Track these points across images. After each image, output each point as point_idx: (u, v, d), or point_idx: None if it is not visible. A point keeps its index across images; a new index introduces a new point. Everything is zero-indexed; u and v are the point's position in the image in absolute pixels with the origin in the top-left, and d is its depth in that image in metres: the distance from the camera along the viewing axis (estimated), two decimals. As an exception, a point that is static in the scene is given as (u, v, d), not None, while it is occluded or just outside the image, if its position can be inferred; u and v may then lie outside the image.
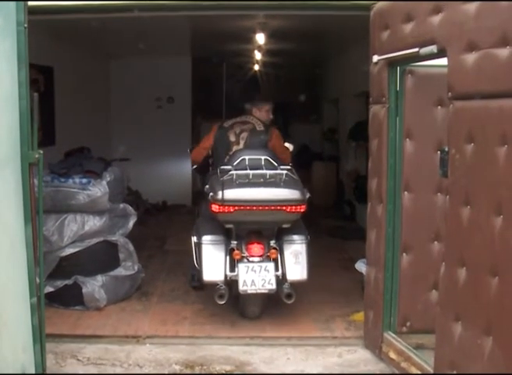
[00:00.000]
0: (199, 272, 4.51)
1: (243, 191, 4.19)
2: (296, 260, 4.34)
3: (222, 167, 4.51)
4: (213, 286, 4.37)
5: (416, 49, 3.21)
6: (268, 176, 4.28)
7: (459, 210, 2.89)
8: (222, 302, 4.29)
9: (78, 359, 3.99)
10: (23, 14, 2.93)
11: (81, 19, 4.79)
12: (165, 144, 9.59)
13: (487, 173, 2.71)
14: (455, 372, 2.98)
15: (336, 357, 3.97)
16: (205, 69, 10.34)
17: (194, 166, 5.55)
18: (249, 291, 4.27)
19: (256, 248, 4.36)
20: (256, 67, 10.74)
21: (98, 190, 4.81)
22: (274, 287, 4.26)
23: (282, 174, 4.26)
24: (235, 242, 4.40)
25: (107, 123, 9.47)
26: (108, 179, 4.95)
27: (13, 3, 2.93)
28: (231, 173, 4.28)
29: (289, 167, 4.51)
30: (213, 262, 4.35)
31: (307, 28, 6.57)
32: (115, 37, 7.35)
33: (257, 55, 9.34)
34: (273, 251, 4.37)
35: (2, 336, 3.39)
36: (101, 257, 4.98)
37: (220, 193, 4.12)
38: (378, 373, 3.63)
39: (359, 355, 4.04)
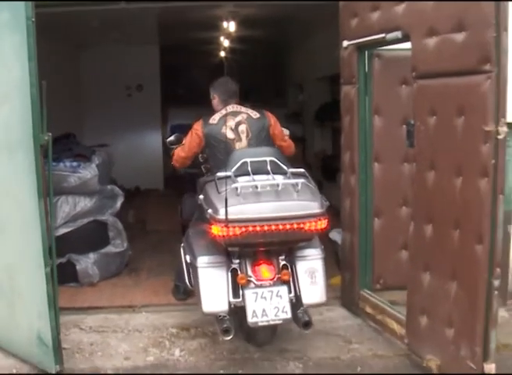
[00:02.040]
0: (186, 285, 3.98)
1: (253, 207, 3.34)
2: (312, 280, 3.58)
3: (219, 174, 3.53)
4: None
5: (382, 35, 3.62)
6: (280, 186, 3.41)
7: (425, 175, 3.32)
8: (229, 338, 3.46)
9: (81, 328, 4.31)
10: (30, 9, 3.22)
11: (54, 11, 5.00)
12: (136, 130, 9.89)
13: (448, 141, 3.14)
14: (425, 316, 3.44)
15: (318, 315, 4.34)
16: (173, 56, 10.60)
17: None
18: (260, 324, 3.45)
19: (265, 270, 3.53)
20: (223, 54, 11.02)
21: (88, 172, 5.11)
22: (289, 315, 3.45)
23: (297, 183, 3.41)
24: (237, 262, 3.57)
25: (79, 111, 9.66)
26: (97, 162, 5.26)
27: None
28: (235, 185, 3.35)
29: (301, 170, 3.62)
30: (214, 289, 3.52)
31: (275, 15, 6.91)
32: (84, 28, 7.53)
33: (225, 43, 9.64)
34: (285, 271, 3.53)
35: (16, 306, 3.73)
36: (92, 236, 5.28)
37: (222, 211, 3.25)
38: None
39: (338, 313, 4.46)
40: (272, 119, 4.33)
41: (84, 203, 5.17)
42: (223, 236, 3.30)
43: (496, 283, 3.01)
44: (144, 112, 9.74)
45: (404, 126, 3.67)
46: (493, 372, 3.09)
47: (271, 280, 3.50)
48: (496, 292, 3.02)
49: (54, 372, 3.56)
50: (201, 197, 3.60)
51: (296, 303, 3.54)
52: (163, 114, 10.51)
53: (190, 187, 4.65)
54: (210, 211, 3.38)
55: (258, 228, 3.29)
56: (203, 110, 14.16)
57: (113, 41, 8.64)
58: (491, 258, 2.97)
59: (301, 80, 10.28)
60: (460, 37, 2.95)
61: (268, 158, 3.59)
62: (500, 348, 3.77)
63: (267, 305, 3.44)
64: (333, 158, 7.76)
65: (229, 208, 3.22)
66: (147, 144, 10.08)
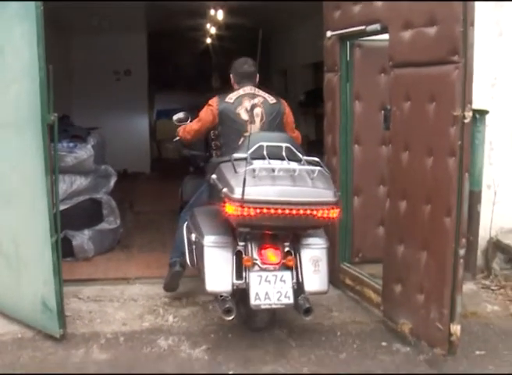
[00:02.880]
0: (184, 261, 4.15)
1: (269, 190, 3.35)
2: (315, 268, 3.62)
3: (236, 155, 3.56)
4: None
5: (363, 27, 3.92)
6: (296, 172, 3.44)
7: (399, 155, 3.65)
8: (230, 318, 3.52)
9: (79, 298, 4.57)
10: (39, -2, 3.49)
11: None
12: (124, 115, 10.13)
13: (420, 124, 3.47)
14: (399, 285, 3.78)
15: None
16: (161, 43, 10.82)
17: (177, 139, 4.64)
18: (262, 306, 3.51)
19: (271, 254, 3.54)
20: (209, 41, 11.25)
21: (84, 153, 5.38)
22: (291, 301, 3.52)
23: (313, 171, 3.45)
24: (242, 244, 3.60)
25: (69, 95, 9.87)
26: (93, 143, 5.52)
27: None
28: (252, 166, 3.37)
29: (315, 159, 3.66)
30: (218, 269, 3.56)
31: (261, 5, 7.16)
32: (77, 15, 7.78)
33: (211, 30, 9.87)
34: (290, 257, 3.58)
35: (23, 275, 4.00)
36: (87, 213, 5.56)
37: (239, 191, 3.27)
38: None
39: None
40: (286, 107, 4.36)
41: (80, 182, 5.43)
42: (237, 215, 3.31)
43: (462, 252, 3.34)
44: (131, 96, 10.00)
45: (382, 111, 3.98)
46: (459, 332, 3.43)
47: (276, 264, 3.53)
48: (461, 260, 3.36)
49: (58, 336, 3.85)
50: (214, 176, 3.58)
51: (297, 290, 3.57)
52: (150, 99, 10.75)
53: (193, 170, 4.81)
54: (225, 190, 3.37)
55: (273, 211, 3.30)
56: (189, 96, 14.50)
57: (103, 28, 8.86)
58: (457, 230, 3.30)
59: (286, 67, 10.55)
60: (432, 30, 3.27)
61: (284, 144, 3.59)
62: (468, 315, 4.19)
63: (270, 288, 3.49)
64: (316, 144, 8.06)
65: (247, 189, 3.24)
66: (134, 128, 10.34)
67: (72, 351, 3.75)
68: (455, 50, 3.13)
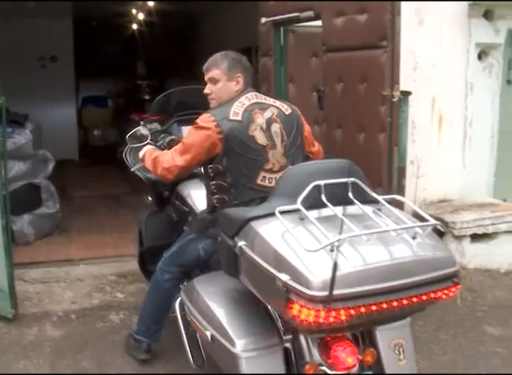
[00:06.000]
0: (154, 343, 3.35)
1: (367, 273, 2.01)
2: (399, 357, 2.46)
3: (283, 208, 2.17)
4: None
5: (297, 14, 4.19)
6: (397, 233, 2.10)
7: (334, 132, 3.96)
8: None
9: (25, 281, 4.67)
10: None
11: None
12: (51, 101, 10.01)
13: (352, 103, 3.77)
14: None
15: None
16: (87, 29, 10.76)
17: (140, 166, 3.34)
18: None
19: (348, 354, 2.24)
20: (135, 27, 11.27)
21: (23, 138, 5.42)
22: None
23: (415, 230, 2.12)
24: (289, 337, 2.37)
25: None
26: (31, 128, 5.56)
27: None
28: (342, 235, 1.93)
29: (399, 198, 2.45)
30: None
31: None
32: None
33: (139, 15, 9.91)
34: (370, 350, 2.40)
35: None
36: (27, 198, 5.60)
37: (320, 281, 1.94)
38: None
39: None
40: (301, 115, 2.99)
41: (19, 167, 5.47)
42: (318, 323, 1.96)
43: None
44: (58, 83, 9.86)
45: (315, 92, 4.27)
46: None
47: (352, 366, 2.27)
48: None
49: (10, 316, 3.95)
50: (243, 244, 2.23)
51: None
52: (76, 85, 10.69)
53: (158, 202, 3.80)
54: (287, 279, 2.00)
55: (374, 307, 1.99)
56: (114, 83, 14.42)
57: (27, 12, 8.71)
58: (389, 200, 3.62)
59: (213, 52, 10.70)
60: (363, 18, 3.57)
61: (349, 180, 2.31)
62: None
63: None
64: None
65: (328, 275, 1.89)
66: (61, 115, 10.23)
67: (26, 330, 3.87)
68: (384, 36, 3.45)
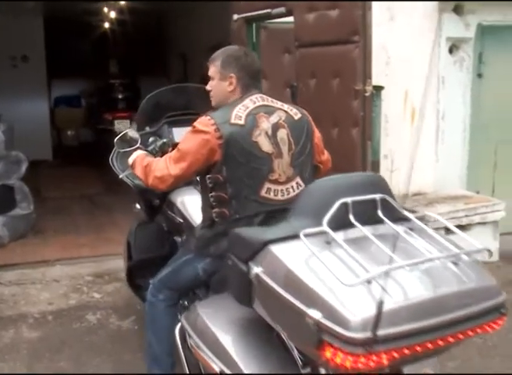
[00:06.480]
0: None
1: (404, 309, 1.74)
2: None
3: (309, 230, 1.88)
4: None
5: (269, 10, 4.20)
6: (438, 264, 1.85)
7: (308, 128, 3.97)
8: None
9: (0, 283, 4.61)
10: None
11: None
12: (23, 101, 9.88)
13: (326, 98, 3.80)
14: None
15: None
16: (58, 28, 10.64)
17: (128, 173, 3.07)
18: None
19: None
20: (107, 25, 11.20)
21: (-5, 139, 5.36)
22: None
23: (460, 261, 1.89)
24: (308, 371, 2.08)
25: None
26: (3, 128, 5.49)
27: None
28: (386, 267, 1.71)
29: (432, 215, 2.34)
30: None
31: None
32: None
33: (111, 14, 9.85)
34: None
35: None
36: (0, 199, 5.54)
37: (358, 321, 1.67)
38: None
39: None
40: (311, 122, 2.72)
41: (-9, 168, 5.42)
42: (357, 368, 1.70)
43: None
44: (30, 82, 9.76)
45: (288, 88, 4.28)
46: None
47: None
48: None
49: (-16, 320, 3.92)
50: (260, 270, 1.94)
51: None
52: (49, 85, 10.59)
53: (147, 211, 3.47)
54: (317, 316, 1.72)
55: (419, 348, 1.74)
56: (86, 82, 14.29)
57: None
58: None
59: (185, 50, 10.71)
60: (334, 13, 3.60)
61: (379, 196, 2.05)
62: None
63: None
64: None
65: (369, 313, 1.65)
66: (34, 115, 10.10)
67: (2, 333, 3.84)
68: (355, 31, 3.48)
